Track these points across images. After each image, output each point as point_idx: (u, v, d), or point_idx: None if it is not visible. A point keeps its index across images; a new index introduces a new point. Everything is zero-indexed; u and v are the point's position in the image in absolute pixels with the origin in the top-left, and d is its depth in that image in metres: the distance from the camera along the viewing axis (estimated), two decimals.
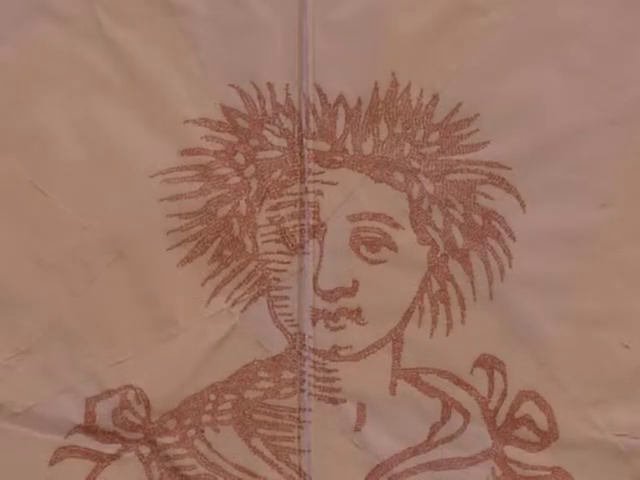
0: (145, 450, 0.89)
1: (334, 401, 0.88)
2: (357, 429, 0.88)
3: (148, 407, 0.88)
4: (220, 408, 0.89)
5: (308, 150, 0.87)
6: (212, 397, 0.88)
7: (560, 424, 0.87)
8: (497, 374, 0.87)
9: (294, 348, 0.88)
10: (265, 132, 0.88)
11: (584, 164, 0.86)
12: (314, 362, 0.88)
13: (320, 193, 0.87)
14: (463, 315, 0.87)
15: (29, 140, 0.89)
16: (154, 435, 0.89)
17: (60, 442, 0.89)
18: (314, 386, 0.88)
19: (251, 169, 0.88)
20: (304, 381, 0.88)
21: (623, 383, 0.87)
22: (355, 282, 0.87)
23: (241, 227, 0.88)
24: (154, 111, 0.88)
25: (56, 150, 0.89)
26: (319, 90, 0.87)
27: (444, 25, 0.87)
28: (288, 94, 0.87)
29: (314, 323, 0.87)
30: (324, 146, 0.87)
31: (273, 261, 0.88)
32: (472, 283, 0.87)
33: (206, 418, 0.89)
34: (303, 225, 0.87)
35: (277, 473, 0.88)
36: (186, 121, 0.88)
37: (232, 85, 0.88)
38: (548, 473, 0.87)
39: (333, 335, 0.87)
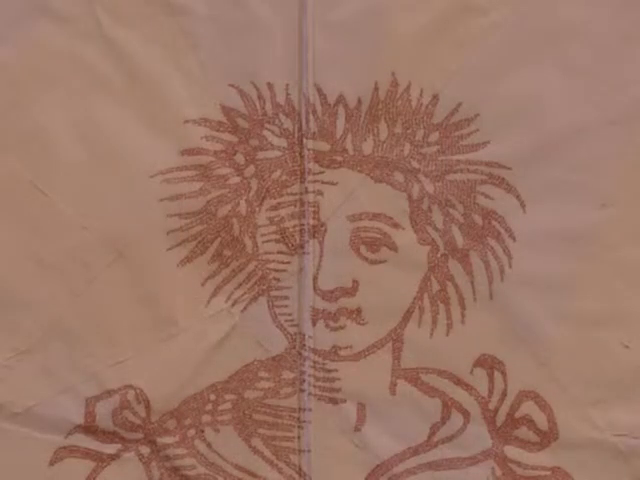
0: (145, 450, 0.89)
1: (334, 401, 0.88)
2: (357, 429, 0.88)
3: (148, 407, 0.88)
4: (220, 408, 0.89)
5: (308, 150, 0.87)
6: (212, 397, 0.88)
7: (560, 424, 0.86)
8: (497, 374, 0.87)
9: (294, 348, 0.88)
10: (265, 132, 0.88)
11: (584, 164, 0.86)
12: (314, 362, 0.88)
13: (320, 193, 0.87)
14: (463, 315, 0.87)
15: (29, 140, 0.89)
16: (154, 435, 0.89)
17: (60, 442, 0.89)
18: (314, 386, 0.88)
19: (251, 169, 0.88)
20: (304, 381, 0.88)
21: (623, 383, 0.87)
22: (355, 282, 0.87)
23: (241, 227, 0.88)
24: (154, 111, 0.88)
25: (56, 150, 0.89)
26: (319, 90, 0.87)
27: (444, 25, 0.87)
28: (288, 94, 0.87)
29: (314, 323, 0.87)
30: (324, 146, 0.87)
31: (273, 261, 0.88)
32: (472, 283, 0.87)
33: (206, 418, 0.89)
34: (303, 225, 0.87)
35: (277, 473, 0.88)
36: (186, 121, 0.88)
37: (232, 85, 0.88)
38: (548, 473, 0.87)
39: (333, 335, 0.87)
